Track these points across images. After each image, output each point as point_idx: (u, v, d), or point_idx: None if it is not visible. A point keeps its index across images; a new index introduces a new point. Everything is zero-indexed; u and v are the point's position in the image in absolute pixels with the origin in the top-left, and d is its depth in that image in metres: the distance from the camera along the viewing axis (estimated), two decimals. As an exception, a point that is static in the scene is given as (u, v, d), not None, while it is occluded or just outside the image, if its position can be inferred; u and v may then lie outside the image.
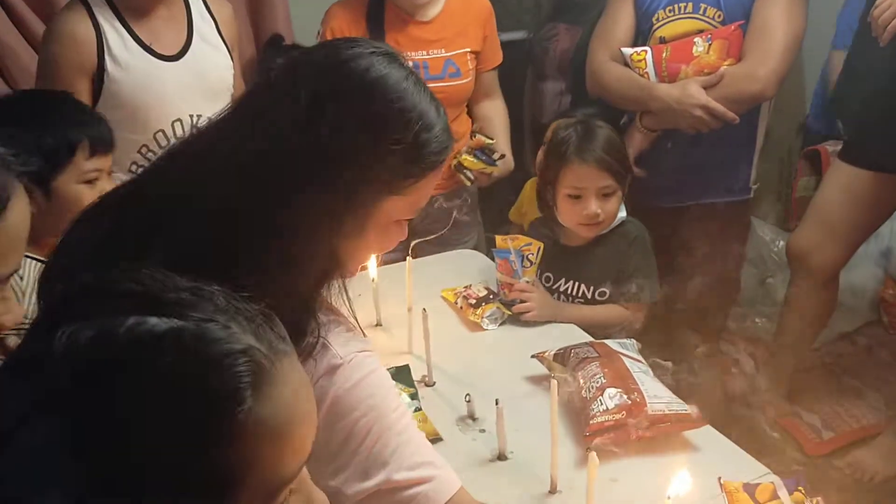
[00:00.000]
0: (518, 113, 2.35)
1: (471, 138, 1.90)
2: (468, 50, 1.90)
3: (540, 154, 1.78)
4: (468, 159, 1.86)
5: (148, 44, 1.56)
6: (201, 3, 1.66)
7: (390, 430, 0.86)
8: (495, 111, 2.02)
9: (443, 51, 1.87)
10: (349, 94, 0.80)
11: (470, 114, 2.07)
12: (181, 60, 1.60)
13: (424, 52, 1.87)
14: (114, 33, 1.54)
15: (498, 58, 2.01)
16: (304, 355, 0.81)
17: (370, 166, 0.80)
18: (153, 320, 0.50)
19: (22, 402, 0.49)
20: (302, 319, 0.82)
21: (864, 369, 2.30)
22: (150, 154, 1.61)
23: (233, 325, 0.53)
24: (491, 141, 1.86)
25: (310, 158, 0.78)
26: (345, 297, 0.91)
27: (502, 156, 1.89)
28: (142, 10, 1.56)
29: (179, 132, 1.60)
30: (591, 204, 1.57)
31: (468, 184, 1.88)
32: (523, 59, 2.37)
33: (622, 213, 1.64)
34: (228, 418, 0.50)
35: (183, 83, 1.59)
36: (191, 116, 1.61)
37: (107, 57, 1.53)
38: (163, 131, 1.59)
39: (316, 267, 0.84)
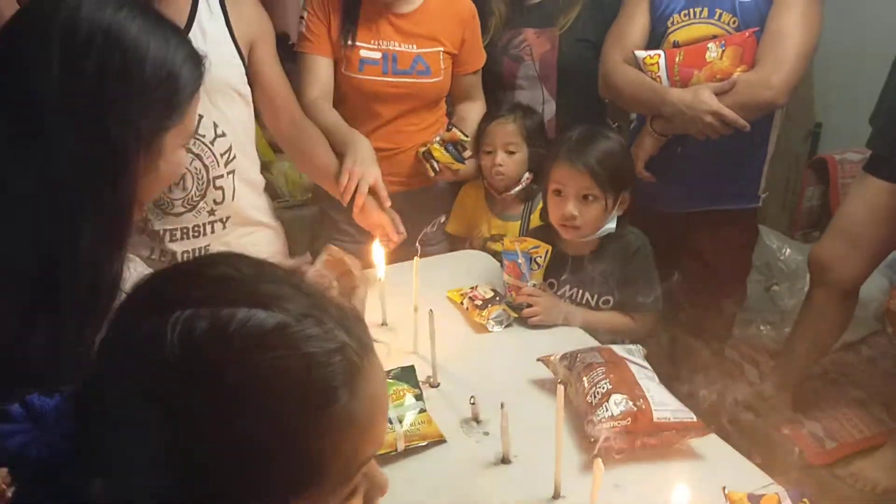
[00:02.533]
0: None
1: (447, 130, 1.88)
2: (441, 50, 1.87)
3: None
4: (438, 150, 1.85)
5: None
6: None
7: None
8: (472, 113, 2.01)
9: (414, 46, 1.85)
10: (98, 49, 0.84)
11: (449, 115, 2.07)
12: None
13: (395, 44, 1.84)
14: None
15: (478, 62, 1.99)
16: (104, 309, 0.83)
17: (139, 110, 0.85)
18: (261, 314, 0.52)
19: (131, 385, 0.51)
20: (96, 277, 0.84)
21: (868, 379, 2.30)
22: None
23: (327, 320, 0.55)
24: (466, 138, 1.86)
25: (80, 116, 0.82)
26: None
27: (472, 155, 1.89)
28: None
29: None
30: (569, 204, 1.60)
31: (431, 174, 1.87)
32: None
33: (610, 225, 1.63)
34: (324, 413, 0.53)
35: None
36: None
37: None
38: None
39: (128, 217, 0.87)
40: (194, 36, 1.53)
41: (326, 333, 0.54)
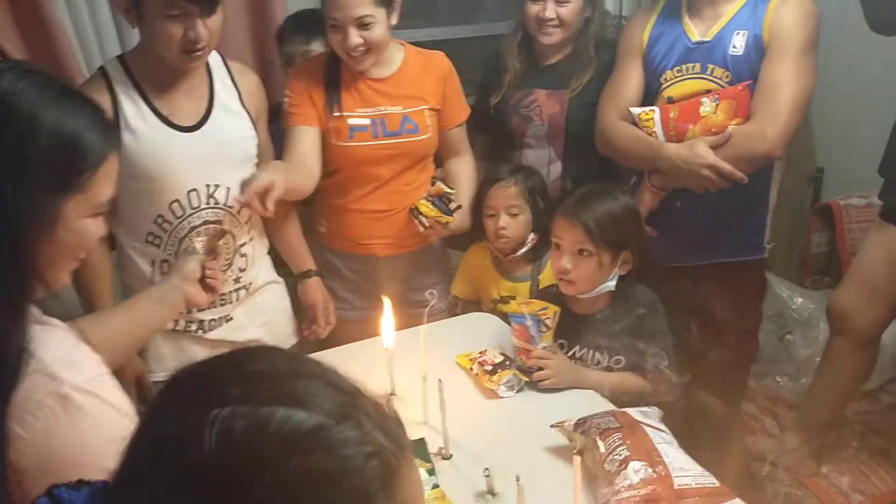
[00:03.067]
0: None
1: (432, 185, 1.90)
2: (426, 107, 1.91)
3: None
4: (425, 205, 1.86)
5: (166, 115, 1.56)
6: (225, 72, 1.66)
7: None
8: (461, 168, 2.04)
9: (400, 107, 1.88)
10: None
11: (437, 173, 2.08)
12: (199, 130, 1.59)
13: (382, 108, 1.88)
14: (131, 105, 1.54)
15: (462, 115, 2.01)
16: (13, 376, 0.81)
17: (31, 176, 0.84)
18: (300, 415, 0.52)
19: (165, 484, 0.50)
20: (9, 339, 0.83)
21: (890, 428, 2.23)
22: (165, 224, 1.60)
23: (364, 421, 0.54)
24: (451, 190, 1.86)
25: None
26: None
27: (458, 206, 1.88)
28: (163, 84, 1.56)
29: (196, 202, 1.60)
30: (563, 259, 1.61)
31: (421, 230, 1.87)
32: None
33: (609, 283, 1.62)
34: None
35: (200, 153, 1.58)
36: (207, 186, 1.60)
37: (122, 128, 1.52)
38: (178, 201, 1.58)
39: (10, 284, 0.84)
40: (218, 111, 1.62)
41: (364, 436, 0.54)
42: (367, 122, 1.87)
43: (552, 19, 2.02)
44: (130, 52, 1.61)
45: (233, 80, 1.67)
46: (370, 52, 1.79)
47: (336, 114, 1.85)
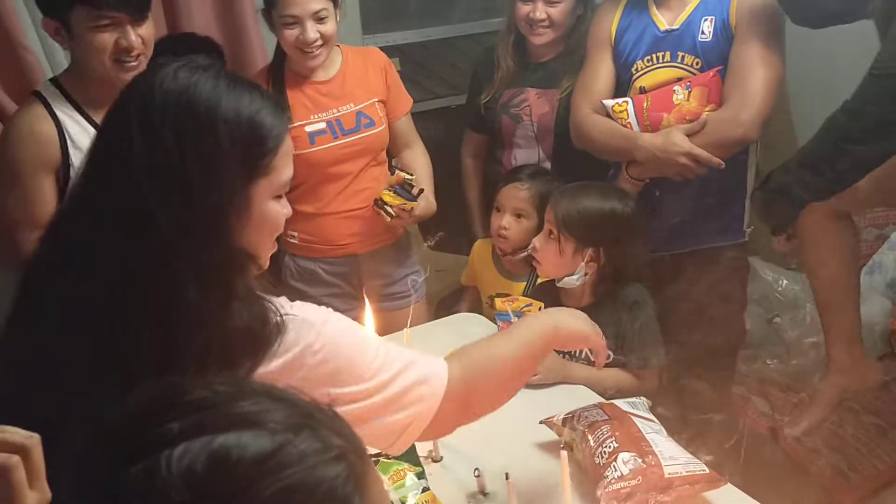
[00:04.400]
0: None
1: (391, 174, 1.90)
2: (376, 100, 1.95)
3: None
4: (388, 195, 1.85)
5: None
6: None
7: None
8: (415, 159, 2.04)
9: (352, 105, 1.92)
10: (174, 116, 0.86)
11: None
12: None
13: (335, 110, 1.91)
14: (75, 126, 1.52)
15: (406, 105, 2.04)
16: (277, 335, 0.89)
17: (221, 168, 0.87)
18: (258, 436, 0.50)
19: None
20: (257, 313, 0.89)
21: (883, 405, 2.24)
22: None
23: (319, 427, 0.54)
24: (410, 176, 1.87)
25: (166, 182, 0.85)
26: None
27: (421, 190, 1.89)
28: (103, 102, 1.52)
29: None
30: (537, 237, 1.70)
31: (388, 220, 1.88)
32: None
33: (573, 277, 1.64)
34: None
35: None
36: None
37: (70, 151, 1.51)
38: None
39: (229, 272, 0.89)
40: None
41: (324, 442, 0.53)
42: (323, 125, 1.91)
43: (543, 20, 2.02)
44: (63, 75, 1.59)
45: None
46: (325, 47, 1.83)
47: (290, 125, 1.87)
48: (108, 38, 1.44)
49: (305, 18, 1.76)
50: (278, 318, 0.90)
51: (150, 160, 0.84)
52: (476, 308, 2.16)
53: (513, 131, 2.11)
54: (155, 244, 0.84)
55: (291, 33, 1.80)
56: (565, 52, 2.09)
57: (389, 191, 1.86)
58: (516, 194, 1.96)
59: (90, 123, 1.53)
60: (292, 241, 2.02)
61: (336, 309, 2.00)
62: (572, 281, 1.65)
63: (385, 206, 1.86)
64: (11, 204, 1.52)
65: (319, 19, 1.77)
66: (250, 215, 0.90)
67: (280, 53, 1.93)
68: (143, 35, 1.47)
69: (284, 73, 1.92)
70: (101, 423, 0.54)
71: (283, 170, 0.94)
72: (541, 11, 2.01)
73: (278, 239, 1.02)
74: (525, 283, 1.98)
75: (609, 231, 1.66)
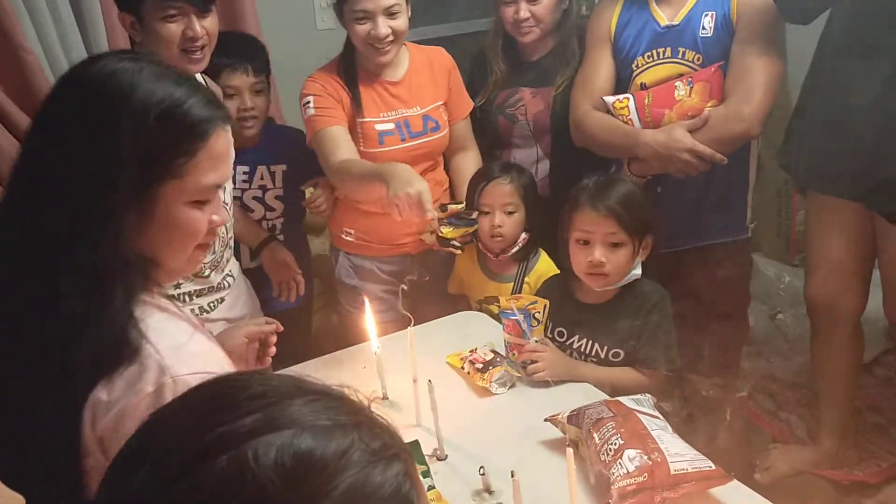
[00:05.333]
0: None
1: (441, 211, 1.82)
2: (440, 103, 1.95)
3: None
4: (448, 231, 1.80)
5: None
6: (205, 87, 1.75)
7: None
8: (467, 164, 2.04)
9: (418, 108, 1.92)
10: (82, 101, 0.84)
11: (445, 167, 2.09)
12: None
13: (404, 111, 1.91)
14: None
15: (466, 108, 2.03)
16: (126, 363, 0.82)
17: (118, 165, 0.82)
18: (337, 439, 0.52)
19: None
20: (122, 330, 0.83)
21: (886, 401, 2.23)
22: None
23: (373, 425, 0.55)
24: (461, 205, 1.83)
25: (60, 175, 0.82)
26: None
27: (478, 211, 1.87)
28: None
29: None
30: (596, 251, 1.56)
31: (458, 253, 1.83)
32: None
33: (636, 271, 1.60)
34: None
35: None
36: None
37: None
38: None
39: (111, 276, 0.83)
40: None
41: (383, 440, 0.55)
42: (391, 126, 1.92)
43: (527, 19, 2.01)
44: None
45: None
46: (395, 43, 1.83)
47: (360, 119, 1.89)
48: (175, 29, 1.53)
49: (378, 13, 1.77)
50: (135, 344, 0.84)
51: (49, 151, 0.83)
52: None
53: (510, 131, 2.10)
54: (45, 236, 0.82)
55: (363, 28, 1.80)
56: (556, 48, 2.08)
57: (449, 226, 1.80)
58: (501, 190, 1.91)
59: None
60: (348, 238, 2.04)
61: (391, 306, 2.05)
62: (636, 275, 1.60)
63: (450, 243, 1.80)
64: None
65: (391, 14, 1.77)
66: (154, 219, 0.85)
67: (349, 48, 1.92)
68: (207, 27, 1.56)
69: (356, 69, 1.91)
70: (158, 419, 0.54)
71: (206, 174, 0.87)
72: (524, 11, 2.00)
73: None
74: (512, 283, 1.96)
75: (652, 212, 1.63)
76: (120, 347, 0.83)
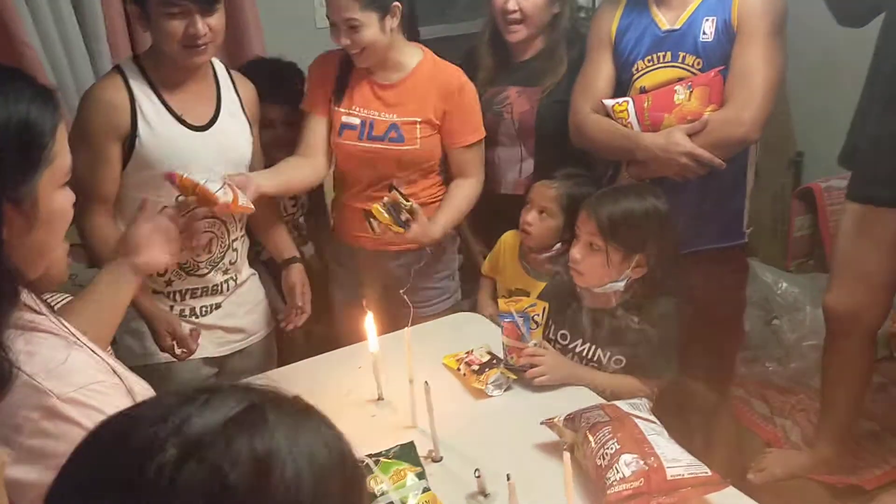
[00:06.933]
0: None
1: (389, 191, 1.84)
2: (418, 120, 1.89)
3: None
4: (378, 210, 1.80)
5: (179, 114, 1.66)
6: (229, 80, 1.77)
7: None
8: (456, 188, 1.97)
9: (394, 115, 1.89)
10: None
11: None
12: (208, 131, 1.70)
13: (375, 112, 1.90)
14: (146, 100, 1.64)
15: (469, 136, 1.95)
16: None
17: None
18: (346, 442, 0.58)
19: None
20: None
21: (881, 409, 2.23)
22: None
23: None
24: (406, 202, 1.81)
25: None
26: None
27: (408, 219, 1.80)
28: (175, 84, 1.67)
29: None
30: (575, 248, 1.62)
31: (372, 234, 1.85)
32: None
33: (616, 284, 1.60)
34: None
35: (207, 152, 1.68)
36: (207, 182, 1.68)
37: (139, 122, 1.62)
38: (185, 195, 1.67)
39: None
40: (224, 115, 1.74)
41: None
42: (356, 121, 1.92)
43: (514, 11, 2.00)
44: (144, 54, 1.71)
45: (235, 88, 1.78)
46: (364, 54, 1.83)
47: (335, 107, 1.93)
48: (177, 26, 1.56)
49: (340, 24, 1.78)
50: (6, 376, 0.80)
51: None
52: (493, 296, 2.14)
53: (495, 129, 2.09)
54: None
55: (332, 35, 1.83)
56: (546, 50, 2.08)
57: (382, 207, 1.81)
58: (545, 192, 1.92)
59: (160, 100, 1.65)
60: (332, 222, 2.12)
61: (349, 294, 1.88)
62: (617, 286, 1.60)
63: (372, 220, 1.82)
64: (80, 164, 1.62)
65: (352, 28, 1.77)
66: (39, 213, 0.85)
67: None
68: (211, 24, 1.58)
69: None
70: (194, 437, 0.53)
71: (65, 156, 0.89)
72: (513, 3, 2.00)
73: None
74: (544, 284, 1.95)
75: (654, 233, 1.60)
76: None
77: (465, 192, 1.98)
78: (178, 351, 1.69)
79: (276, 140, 2.01)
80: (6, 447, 0.80)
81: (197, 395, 0.54)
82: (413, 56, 1.91)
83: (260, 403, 0.54)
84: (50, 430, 0.81)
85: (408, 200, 1.81)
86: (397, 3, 1.79)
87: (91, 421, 0.79)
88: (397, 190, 1.82)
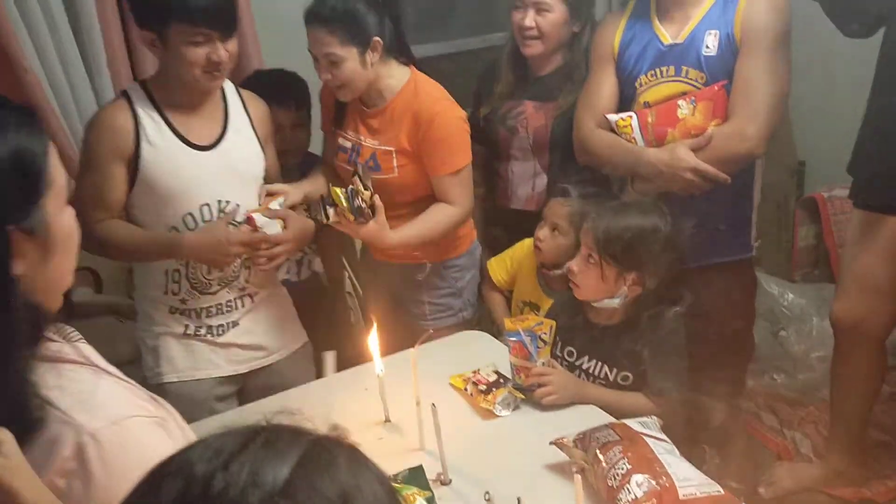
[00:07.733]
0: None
1: (352, 175, 1.78)
2: (393, 149, 1.87)
3: None
4: (336, 192, 1.71)
5: (183, 135, 1.67)
6: (238, 99, 1.78)
7: None
8: (432, 210, 1.90)
9: (377, 143, 1.90)
10: None
11: None
12: (214, 150, 1.70)
13: (363, 138, 1.91)
14: (151, 122, 1.65)
15: (443, 168, 1.86)
16: (32, 434, 0.78)
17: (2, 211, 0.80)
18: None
19: None
20: (19, 395, 0.78)
21: (891, 419, 2.21)
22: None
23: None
24: (365, 190, 1.73)
25: None
26: None
27: (363, 210, 1.72)
28: (183, 106, 1.68)
29: (207, 215, 1.69)
30: (574, 261, 1.63)
31: (321, 219, 1.75)
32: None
33: (611, 300, 1.60)
34: None
35: (213, 171, 1.69)
36: (218, 201, 1.69)
37: (143, 143, 1.64)
38: (191, 214, 1.68)
39: (10, 339, 0.78)
40: (231, 133, 1.74)
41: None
42: (349, 145, 1.94)
43: (531, 28, 2.02)
44: (151, 78, 1.72)
45: (244, 106, 1.78)
46: (344, 88, 1.82)
47: (334, 128, 1.97)
48: (200, 53, 1.57)
49: (320, 59, 1.79)
50: (38, 414, 0.79)
51: None
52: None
53: (509, 143, 2.10)
54: None
55: (317, 69, 1.83)
56: (563, 67, 2.09)
57: (342, 192, 1.71)
58: (558, 209, 1.91)
59: (166, 123, 1.67)
60: None
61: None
62: (612, 303, 1.60)
63: (325, 199, 1.73)
64: (86, 185, 1.65)
65: (331, 63, 1.77)
66: (53, 238, 0.83)
67: None
68: (230, 50, 1.61)
69: None
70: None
71: (61, 175, 0.87)
72: (530, 19, 2.01)
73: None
74: (553, 301, 1.93)
75: (652, 254, 1.57)
76: (23, 423, 0.79)
77: (439, 217, 1.89)
78: (276, 249, 1.70)
79: (285, 144, 2.03)
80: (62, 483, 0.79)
81: (254, 436, 0.53)
82: (400, 80, 1.87)
83: (318, 441, 0.54)
84: (90, 469, 0.80)
85: (367, 189, 1.73)
86: (378, 39, 1.77)
87: (129, 457, 0.80)
88: (359, 176, 1.74)
